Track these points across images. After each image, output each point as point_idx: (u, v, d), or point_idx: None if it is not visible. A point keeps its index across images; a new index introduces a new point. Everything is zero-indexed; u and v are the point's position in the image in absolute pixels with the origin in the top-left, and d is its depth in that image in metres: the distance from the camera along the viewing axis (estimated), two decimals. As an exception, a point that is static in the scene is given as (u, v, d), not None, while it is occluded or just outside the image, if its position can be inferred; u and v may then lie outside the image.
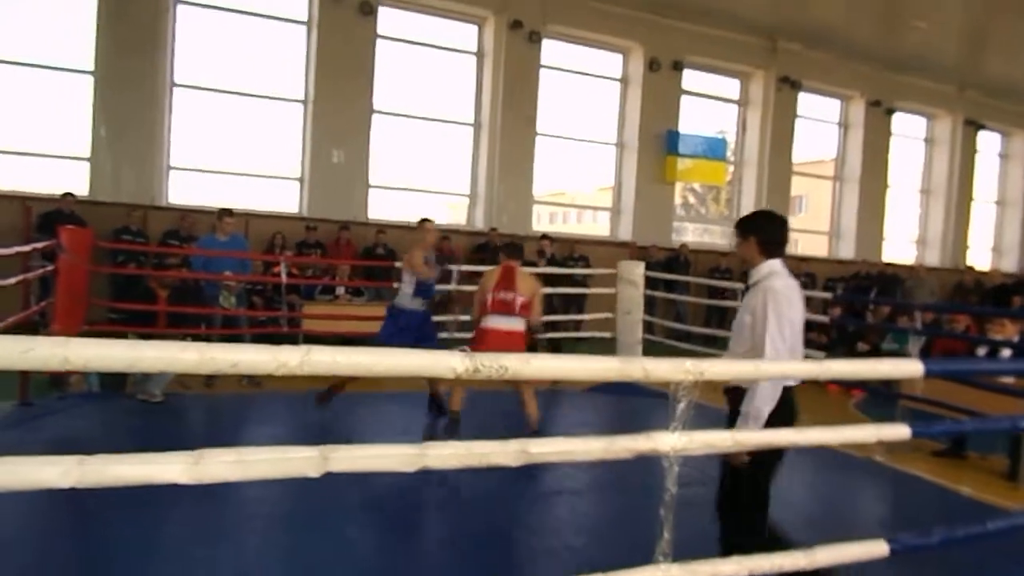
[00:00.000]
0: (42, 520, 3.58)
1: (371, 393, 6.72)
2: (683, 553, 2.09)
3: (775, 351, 2.64)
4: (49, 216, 7.92)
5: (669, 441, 1.91)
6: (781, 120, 13.99)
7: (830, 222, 15.76)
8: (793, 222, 15.09)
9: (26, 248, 5.46)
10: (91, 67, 9.34)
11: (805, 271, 13.36)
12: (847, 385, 8.18)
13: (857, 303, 10.56)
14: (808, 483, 5.25)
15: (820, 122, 15.23)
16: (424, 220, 5.99)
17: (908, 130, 16.25)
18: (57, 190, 8.77)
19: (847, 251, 15.20)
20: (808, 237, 16.17)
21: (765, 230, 2.86)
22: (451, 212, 12.50)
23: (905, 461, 5.70)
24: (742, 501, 2.71)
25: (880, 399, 7.68)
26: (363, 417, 6.30)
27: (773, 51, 13.66)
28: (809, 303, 10.79)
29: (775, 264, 2.83)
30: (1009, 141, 17.61)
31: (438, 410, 5.88)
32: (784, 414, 2.65)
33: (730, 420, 2.79)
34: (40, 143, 9.38)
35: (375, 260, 9.63)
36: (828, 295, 10.09)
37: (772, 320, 2.68)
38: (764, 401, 2.52)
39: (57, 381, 6.20)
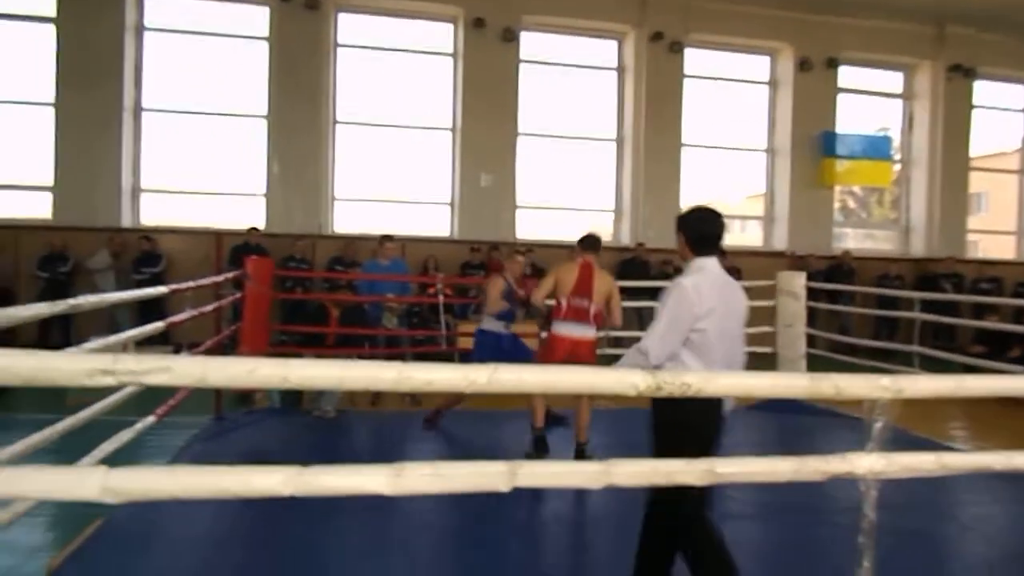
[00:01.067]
0: (220, 520, 3.94)
1: (522, 411, 6.82)
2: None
3: (644, 343, 2.58)
4: (238, 249, 8.81)
5: (866, 463, 1.78)
6: (954, 112, 12.78)
7: (1017, 220, 14.14)
8: (973, 222, 13.69)
9: (219, 278, 6.05)
10: (265, 112, 10.31)
11: (989, 275, 12.09)
12: (1051, 403, 7.29)
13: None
14: (1010, 513, 4.69)
15: (1002, 111, 13.76)
16: (517, 252, 6.16)
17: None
18: (244, 225, 9.76)
19: (1040, 252, 13.58)
20: (991, 238, 14.61)
21: (693, 227, 2.77)
22: (598, 229, 12.50)
23: None
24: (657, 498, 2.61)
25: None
26: (516, 436, 6.40)
27: (941, 38, 12.55)
28: (997, 311, 9.75)
29: (705, 262, 2.71)
30: None
31: (554, 421, 5.93)
32: (694, 425, 2.52)
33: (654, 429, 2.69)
34: (228, 183, 10.48)
35: (523, 279, 9.79)
36: (1022, 302, 9.04)
37: (662, 314, 2.61)
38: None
39: (245, 398, 6.82)
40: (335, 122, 10.68)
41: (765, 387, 1.78)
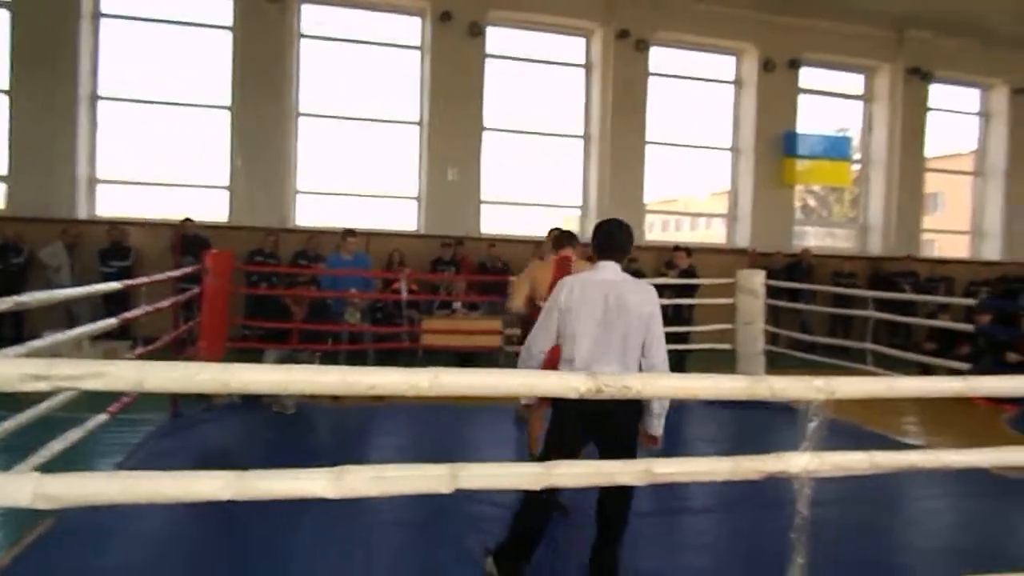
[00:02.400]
0: (185, 516, 3.90)
1: (487, 407, 6.87)
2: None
3: (531, 335, 3.12)
4: (183, 240, 8.68)
5: (800, 462, 1.84)
6: (911, 114, 13.10)
7: (971, 220, 14.57)
8: (928, 222, 14.07)
9: (176, 273, 5.97)
10: (228, 103, 10.15)
11: (941, 275, 12.43)
12: (997, 400, 7.53)
13: (1007, 309, 9.68)
14: (955, 507, 4.86)
15: (956, 114, 14.14)
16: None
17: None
18: (206, 218, 9.60)
19: (992, 251, 13.98)
20: (946, 238, 15.03)
21: (597, 236, 3.16)
22: (563, 225, 12.54)
23: (1069, 484, 5.16)
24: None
25: (1036, 414, 7.04)
26: (481, 431, 6.44)
27: (900, 41, 12.85)
28: (948, 309, 10.06)
29: (602, 264, 3.08)
30: None
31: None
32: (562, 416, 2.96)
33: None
34: (189, 175, 10.29)
35: (489, 274, 9.83)
36: (971, 301, 9.32)
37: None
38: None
39: (203, 394, 6.73)
40: (299, 114, 10.56)
41: (705, 388, 1.83)
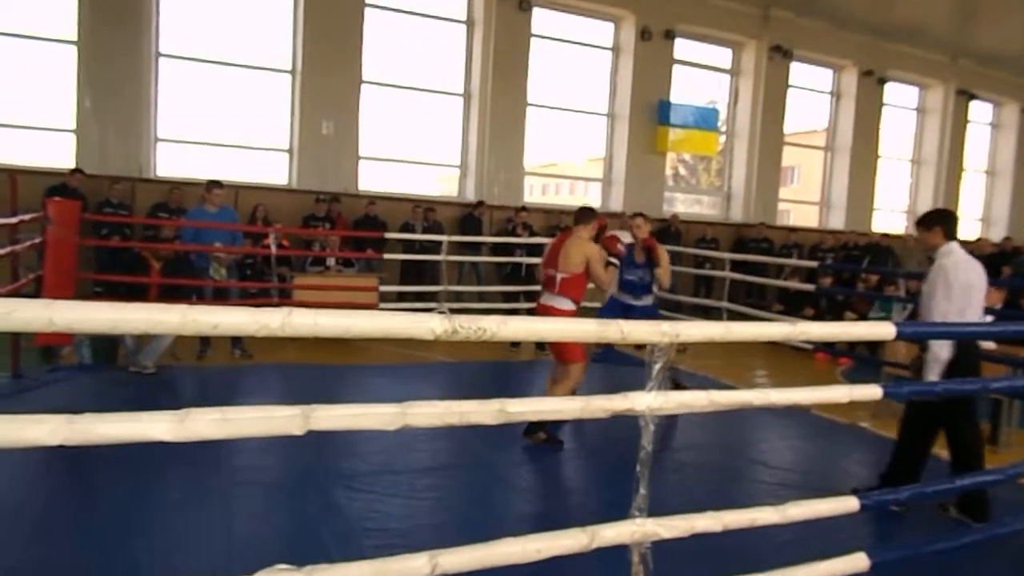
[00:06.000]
0: (43, 483, 3.65)
1: (360, 365, 6.82)
2: (668, 510, 2.15)
3: (941, 313, 3.77)
4: (54, 190, 7.94)
5: (645, 400, 1.96)
6: (773, 90, 13.92)
7: (821, 192, 15.79)
8: (785, 192, 15.10)
9: (12, 220, 5.44)
10: (74, 37, 9.22)
11: (794, 242, 13.43)
12: (834, 353, 8.31)
13: (845, 272, 10.65)
14: (792, 447, 5.37)
15: (812, 92, 15.17)
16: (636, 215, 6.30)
17: (900, 100, 16.21)
18: (52, 164, 8.77)
19: (837, 221, 15.24)
20: (801, 208, 16.23)
21: (949, 223, 3.96)
22: (442, 184, 12.47)
23: (890, 426, 5.81)
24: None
25: (866, 366, 7.82)
26: (352, 389, 6.38)
27: (765, 19, 13.55)
28: (796, 273, 10.87)
29: (954, 245, 3.90)
30: (1000, 111, 17.59)
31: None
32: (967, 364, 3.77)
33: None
34: (25, 115, 9.29)
35: (365, 231, 9.62)
36: (814, 264, 10.16)
37: (940, 287, 3.78)
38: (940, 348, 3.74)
39: (48, 353, 6.23)
40: (158, 55, 9.76)
41: (556, 332, 1.90)
